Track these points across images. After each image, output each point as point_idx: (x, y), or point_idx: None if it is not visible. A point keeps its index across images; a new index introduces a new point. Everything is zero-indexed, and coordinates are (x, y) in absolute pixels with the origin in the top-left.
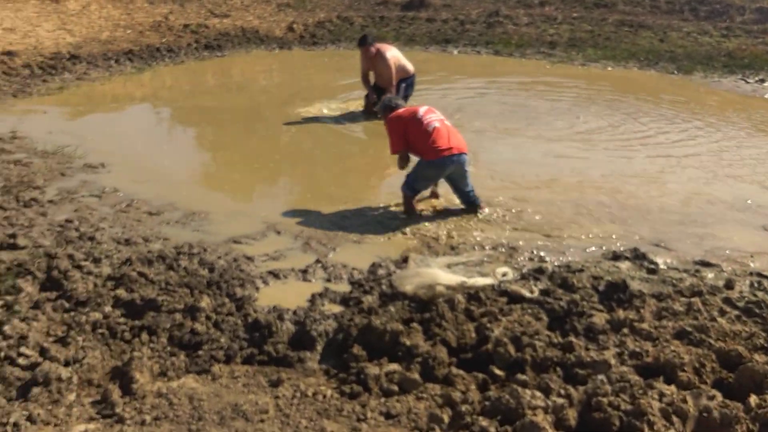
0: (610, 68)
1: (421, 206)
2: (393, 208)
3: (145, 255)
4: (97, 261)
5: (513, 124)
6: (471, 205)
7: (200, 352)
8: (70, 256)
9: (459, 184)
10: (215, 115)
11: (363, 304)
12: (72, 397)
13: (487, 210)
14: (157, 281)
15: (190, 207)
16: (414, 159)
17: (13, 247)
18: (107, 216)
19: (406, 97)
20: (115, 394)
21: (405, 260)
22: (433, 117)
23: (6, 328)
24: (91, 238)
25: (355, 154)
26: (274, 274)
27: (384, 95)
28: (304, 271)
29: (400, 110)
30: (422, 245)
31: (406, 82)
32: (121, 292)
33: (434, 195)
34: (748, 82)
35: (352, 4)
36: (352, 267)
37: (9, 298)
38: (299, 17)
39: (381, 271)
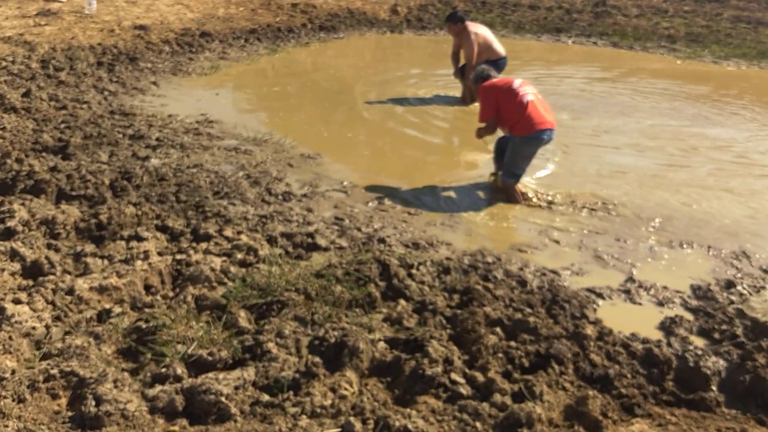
0: (744, 67)
1: None
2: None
3: (459, 264)
4: (413, 267)
5: (701, 131)
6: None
7: (622, 391)
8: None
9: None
10: (375, 99)
11: (739, 339)
12: None
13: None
14: (500, 297)
15: (442, 205)
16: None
17: (315, 247)
18: (371, 215)
19: None
20: None
21: (730, 285)
22: (528, 90)
23: (429, 349)
24: (382, 240)
25: None
26: (596, 293)
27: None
28: (626, 292)
29: (495, 80)
30: (725, 265)
31: (494, 64)
32: (489, 311)
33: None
34: None
35: None
36: (674, 289)
37: (387, 310)
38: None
39: (720, 298)
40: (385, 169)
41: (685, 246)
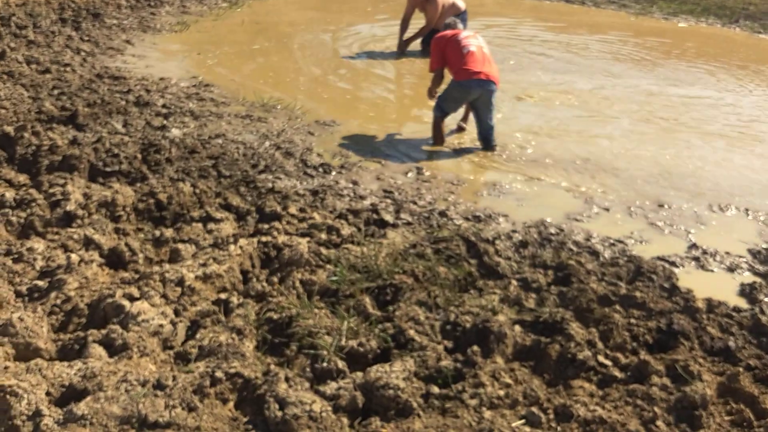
0: (692, 23)
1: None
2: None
3: (533, 237)
4: (492, 243)
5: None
6: (486, 140)
7: (750, 363)
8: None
9: (482, 114)
10: (357, 52)
11: None
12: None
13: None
14: (591, 271)
15: (477, 171)
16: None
17: (383, 223)
18: (418, 186)
19: None
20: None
21: None
22: (472, 41)
23: (571, 332)
24: (443, 214)
25: None
26: (669, 262)
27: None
28: (696, 259)
29: (445, 31)
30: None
31: (458, 17)
32: (596, 287)
33: (460, 128)
34: None
35: None
36: (736, 254)
37: (500, 291)
38: None
39: None
40: (401, 129)
41: (724, 209)
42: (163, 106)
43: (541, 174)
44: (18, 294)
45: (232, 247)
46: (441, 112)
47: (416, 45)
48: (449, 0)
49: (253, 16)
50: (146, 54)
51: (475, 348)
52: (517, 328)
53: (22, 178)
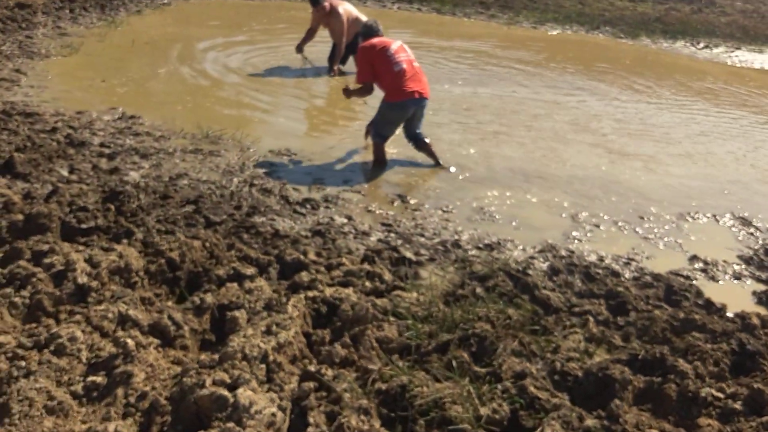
0: (559, 30)
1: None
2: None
3: (556, 263)
4: (527, 275)
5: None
6: (416, 140)
7: None
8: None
9: (412, 125)
10: (267, 72)
11: None
12: None
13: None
14: (638, 296)
15: (457, 194)
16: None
17: (406, 262)
18: (413, 217)
19: None
20: None
21: None
22: (402, 56)
23: (681, 368)
24: (456, 245)
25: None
26: (683, 276)
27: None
28: (703, 271)
29: (374, 40)
30: (739, 231)
31: None
32: (658, 314)
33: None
34: (698, 48)
35: None
36: (732, 262)
37: (581, 330)
38: None
39: None
40: (353, 148)
41: (695, 216)
42: (101, 145)
43: (514, 191)
44: (74, 396)
45: (290, 307)
46: (381, 138)
47: (323, 61)
48: (353, 14)
49: (139, 36)
50: (45, 85)
51: (617, 402)
52: (627, 370)
53: None
